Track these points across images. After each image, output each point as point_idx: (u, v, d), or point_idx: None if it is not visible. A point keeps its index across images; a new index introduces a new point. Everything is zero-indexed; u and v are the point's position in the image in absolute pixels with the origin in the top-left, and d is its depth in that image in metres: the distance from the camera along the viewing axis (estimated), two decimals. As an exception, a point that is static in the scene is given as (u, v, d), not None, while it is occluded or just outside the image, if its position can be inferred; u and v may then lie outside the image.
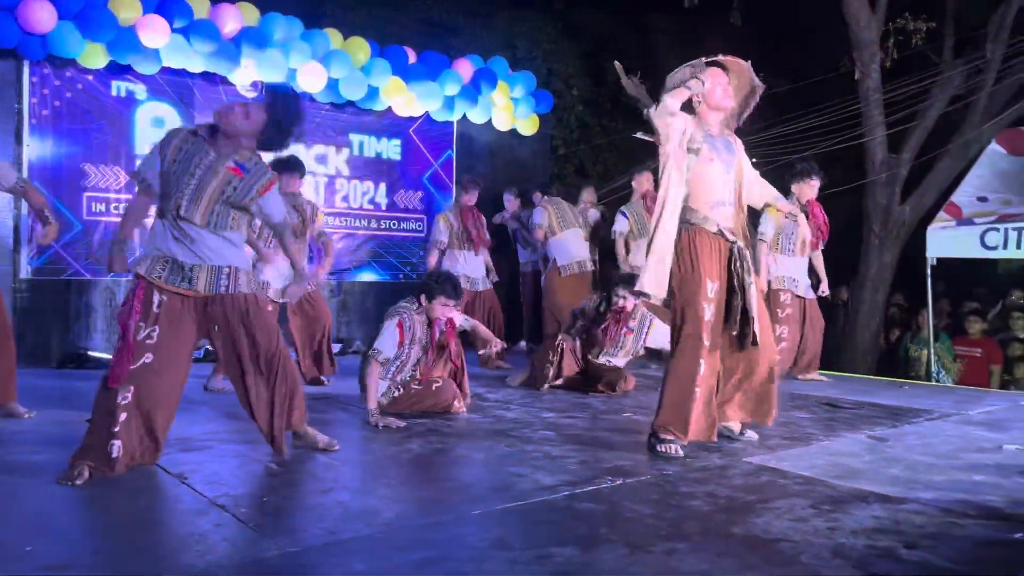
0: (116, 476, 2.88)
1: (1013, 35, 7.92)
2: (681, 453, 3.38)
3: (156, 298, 2.98)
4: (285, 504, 2.68)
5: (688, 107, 3.51)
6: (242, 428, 3.97)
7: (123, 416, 2.91)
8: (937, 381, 7.08)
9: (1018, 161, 7.99)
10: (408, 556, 2.22)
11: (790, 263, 5.59)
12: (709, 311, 3.40)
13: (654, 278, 3.37)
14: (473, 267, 6.60)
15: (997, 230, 6.76)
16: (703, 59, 3.53)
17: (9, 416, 4.00)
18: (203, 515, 2.56)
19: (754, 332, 3.45)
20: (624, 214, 6.63)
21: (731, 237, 3.48)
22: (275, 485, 2.91)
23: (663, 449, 3.39)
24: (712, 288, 3.41)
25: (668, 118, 3.39)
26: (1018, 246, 6.62)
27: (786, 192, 5.42)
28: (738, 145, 3.63)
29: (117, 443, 2.90)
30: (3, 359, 4.01)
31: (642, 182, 6.78)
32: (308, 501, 2.72)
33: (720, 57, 3.56)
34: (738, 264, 3.45)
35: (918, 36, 8.04)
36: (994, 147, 8.18)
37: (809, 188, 5.54)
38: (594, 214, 7.19)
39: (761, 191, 3.80)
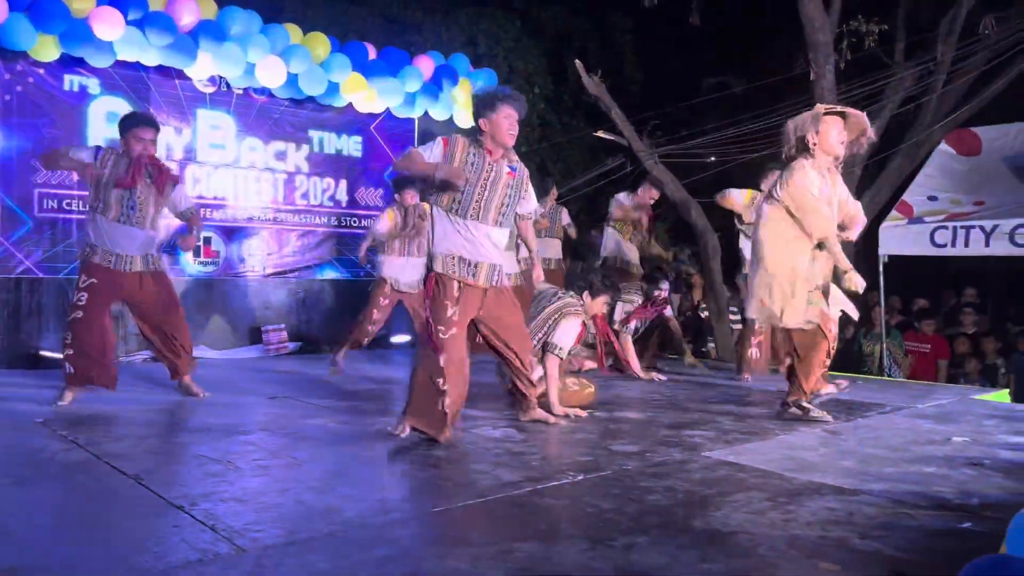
0: (72, 480, 2.82)
1: (962, 38, 8.13)
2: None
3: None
4: (244, 504, 2.65)
5: (803, 146, 4.09)
6: (202, 428, 3.93)
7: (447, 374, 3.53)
8: (889, 376, 7.25)
9: (967, 161, 8.22)
10: (369, 553, 2.21)
11: None
12: None
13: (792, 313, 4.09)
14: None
15: (946, 228, 6.95)
16: (822, 109, 4.11)
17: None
18: (160, 516, 2.52)
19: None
20: (619, 200, 6.63)
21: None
22: (234, 485, 2.88)
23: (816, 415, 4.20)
24: None
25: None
26: (966, 245, 6.81)
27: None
28: (839, 181, 4.22)
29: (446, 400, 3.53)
30: None
31: (647, 194, 6.66)
32: (268, 501, 2.69)
33: (839, 108, 4.17)
34: None
35: (871, 38, 8.20)
36: (944, 147, 8.41)
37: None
38: (565, 215, 7.18)
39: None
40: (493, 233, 3.73)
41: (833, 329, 4.31)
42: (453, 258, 3.65)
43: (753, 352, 5.84)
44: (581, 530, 2.43)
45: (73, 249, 6.35)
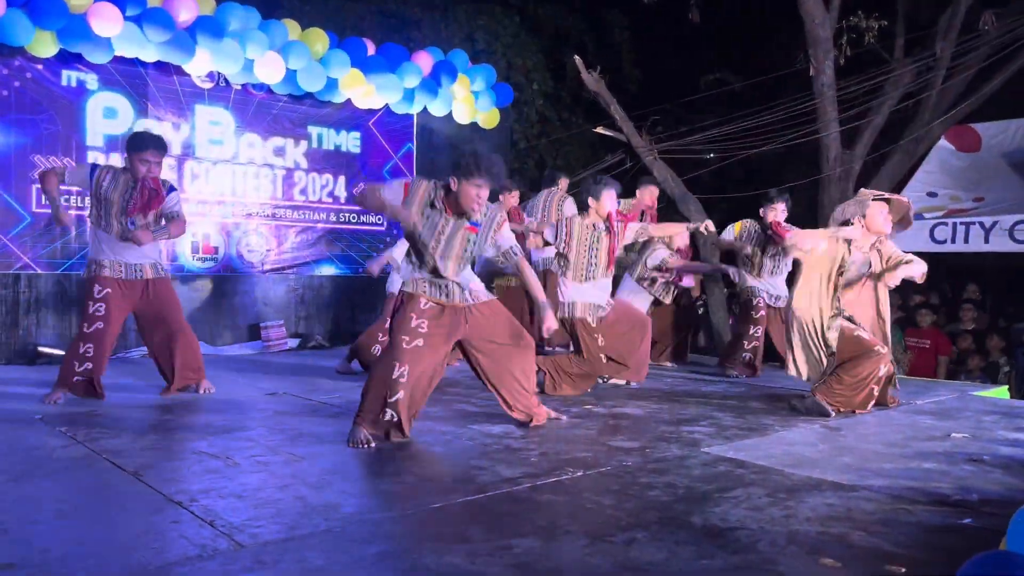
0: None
1: (961, 34, 8.12)
2: None
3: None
4: (243, 500, 2.64)
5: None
6: (201, 425, 3.93)
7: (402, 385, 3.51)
8: (889, 372, 7.24)
9: (966, 157, 8.22)
10: (367, 549, 2.21)
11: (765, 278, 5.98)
12: None
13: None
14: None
15: (946, 224, 6.96)
16: (870, 195, 4.41)
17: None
18: (159, 512, 2.52)
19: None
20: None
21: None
22: (232, 481, 2.87)
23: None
24: None
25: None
26: (966, 241, 6.82)
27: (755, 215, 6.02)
28: (887, 243, 4.51)
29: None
30: None
31: (645, 196, 6.44)
32: (266, 497, 2.69)
33: (885, 194, 4.51)
34: None
35: (871, 34, 8.19)
36: (943, 143, 8.41)
37: (772, 212, 5.82)
38: (570, 206, 6.53)
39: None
40: (456, 281, 3.67)
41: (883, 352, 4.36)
42: (424, 282, 3.63)
43: (747, 355, 5.81)
44: (580, 526, 2.43)
45: (72, 245, 6.35)
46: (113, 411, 4.19)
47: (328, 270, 7.78)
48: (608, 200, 4.84)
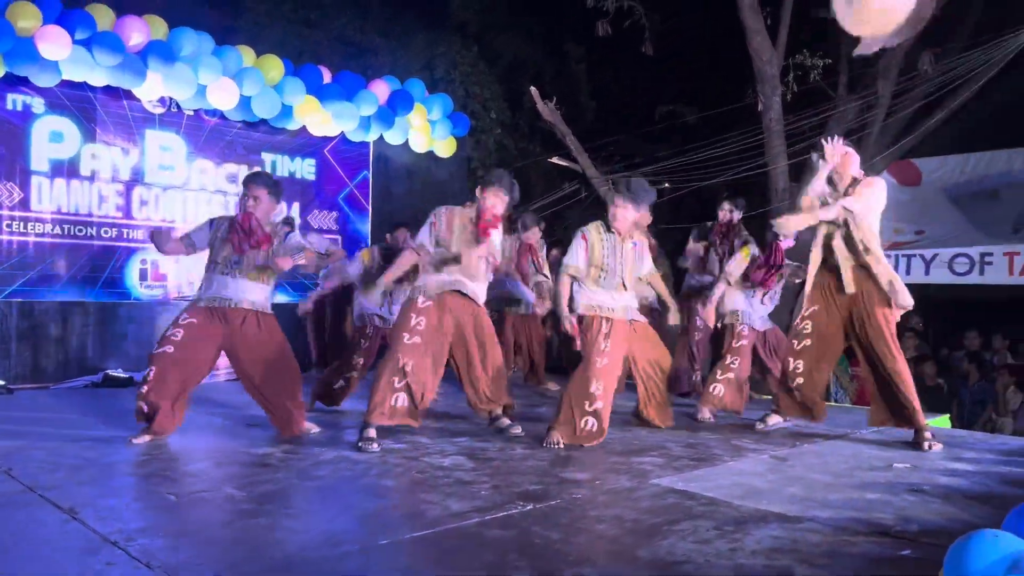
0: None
1: (902, 74, 8.42)
2: None
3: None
4: (182, 539, 2.57)
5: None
6: (143, 459, 3.82)
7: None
8: (836, 401, 7.39)
9: (908, 191, 8.50)
10: (311, 590, 2.16)
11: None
12: None
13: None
14: None
15: (889, 256, 7.13)
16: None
17: None
18: (94, 553, 2.44)
19: None
20: None
21: None
22: (173, 519, 2.80)
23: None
24: None
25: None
26: (907, 272, 7.02)
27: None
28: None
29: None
30: None
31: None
32: (208, 535, 2.62)
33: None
34: None
35: (816, 72, 8.46)
36: (886, 177, 8.67)
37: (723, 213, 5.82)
38: (555, 255, 6.59)
39: None
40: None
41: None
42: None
43: (719, 388, 5.15)
44: (528, 562, 2.42)
45: (10, 272, 6.16)
46: (51, 444, 4.06)
47: (279, 297, 7.67)
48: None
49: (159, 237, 4.43)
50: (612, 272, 4.42)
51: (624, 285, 4.44)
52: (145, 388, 4.07)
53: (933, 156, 8.77)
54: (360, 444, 3.99)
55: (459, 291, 4.29)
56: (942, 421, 5.55)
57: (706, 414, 5.13)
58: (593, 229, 4.46)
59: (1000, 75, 8.02)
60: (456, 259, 4.24)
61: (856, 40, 3.00)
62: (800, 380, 4.59)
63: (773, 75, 8.39)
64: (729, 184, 9.39)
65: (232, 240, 4.27)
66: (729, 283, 5.34)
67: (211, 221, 4.42)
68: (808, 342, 4.58)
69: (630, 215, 4.38)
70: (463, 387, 4.44)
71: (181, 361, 4.11)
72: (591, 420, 4.18)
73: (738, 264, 5.37)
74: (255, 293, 4.33)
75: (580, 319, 4.39)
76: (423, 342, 4.15)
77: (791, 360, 4.64)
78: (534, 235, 6.26)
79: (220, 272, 4.28)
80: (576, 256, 4.41)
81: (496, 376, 4.40)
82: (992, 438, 5.08)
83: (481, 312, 4.41)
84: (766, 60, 8.33)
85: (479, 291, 4.41)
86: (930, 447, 4.22)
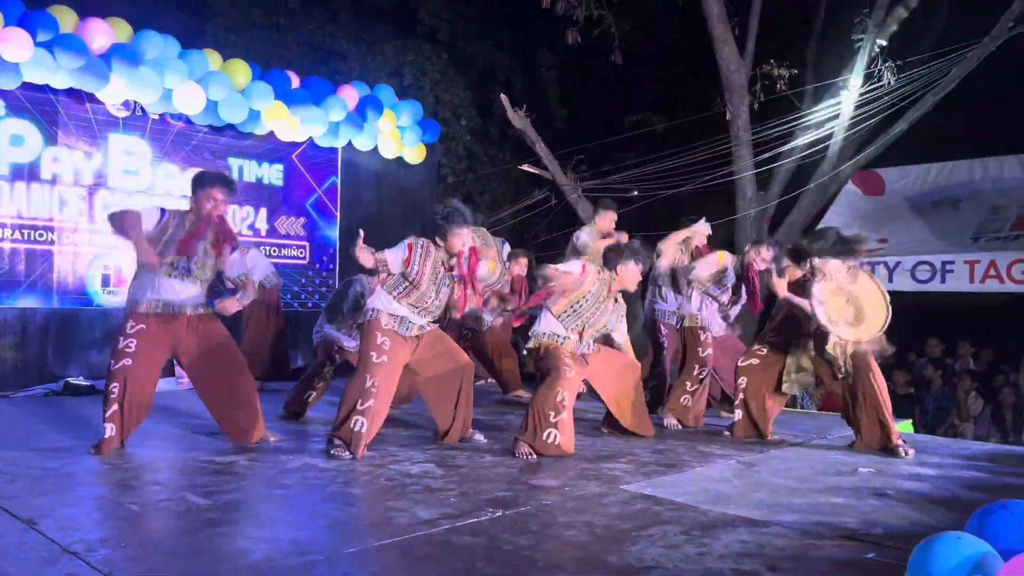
0: None
1: (865, 84, 8.57)
2: None
3: None
4: (145, 548, 2.52)
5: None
6: (104, 469, 3.74)
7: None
8: (802, 407, 7.47)
9: (871, 200, 8.64)
10: (277, 600, 2.13)
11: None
12: None
13: None
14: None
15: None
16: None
17: None
18: (52, 563, 2.38)
19: None
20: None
21: None
22: (135, 528, 2.74)
23: None
24: None
25: None
26: (871, 280, 7.10)
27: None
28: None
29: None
30: None
31: (605, 222, 6.23)
32: (170, 544, 2.57)
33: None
34: None
35: (782, 82, 8.59)
36: (850, 187, 8.83)
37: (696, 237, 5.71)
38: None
39: None
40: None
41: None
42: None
43: (685, 399, 5.21)
44: (497, 569, 2.40)
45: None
46: (9, 454, 3.95)
47: (247, 304, 7.58)
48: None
49: (123, 218, 3.98)
50: (579, 318, 4.38)
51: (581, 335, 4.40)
52: (112, 409, 3.95)
53: (897, 166, 8.93)
54: (332, 451, 3.96)
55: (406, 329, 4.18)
56: (904, 426, 5.63)
57: (673, 421, 5.14)
58: (596, 270, 4.47)
59: (961, 86, 8.21)
60: (418, 295, 4.14)
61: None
62: (743, 396, 4.77)
63: (741, 84, 8.51)
64: (700, 192, 9.49)
65: (190, 244, 4.06)
66: (692, 283, 5.33)
67: (163, 211, 4.10)
68: (755, 361, 4.78)
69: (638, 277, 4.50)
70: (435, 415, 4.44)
71: (142, 371, 4.02)
72: (553, 433, 4.14)
73: (708, 265, 5.31)
74: (199, 295, 4.20)
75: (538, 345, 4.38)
76: (390, 361, 4.06)
77: (736, 374, 4.85)
78: (520, 265, 6.28)
79: (166, 275, 4.05)
80: (568, 279, 4.35)
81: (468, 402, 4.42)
82: (954, 443, 5.18)
83: (437, 335, 4.36)
84: (734, 70, 8.45)
85: (428, 325, 4.28)
86: (906, 453, 4.31)
